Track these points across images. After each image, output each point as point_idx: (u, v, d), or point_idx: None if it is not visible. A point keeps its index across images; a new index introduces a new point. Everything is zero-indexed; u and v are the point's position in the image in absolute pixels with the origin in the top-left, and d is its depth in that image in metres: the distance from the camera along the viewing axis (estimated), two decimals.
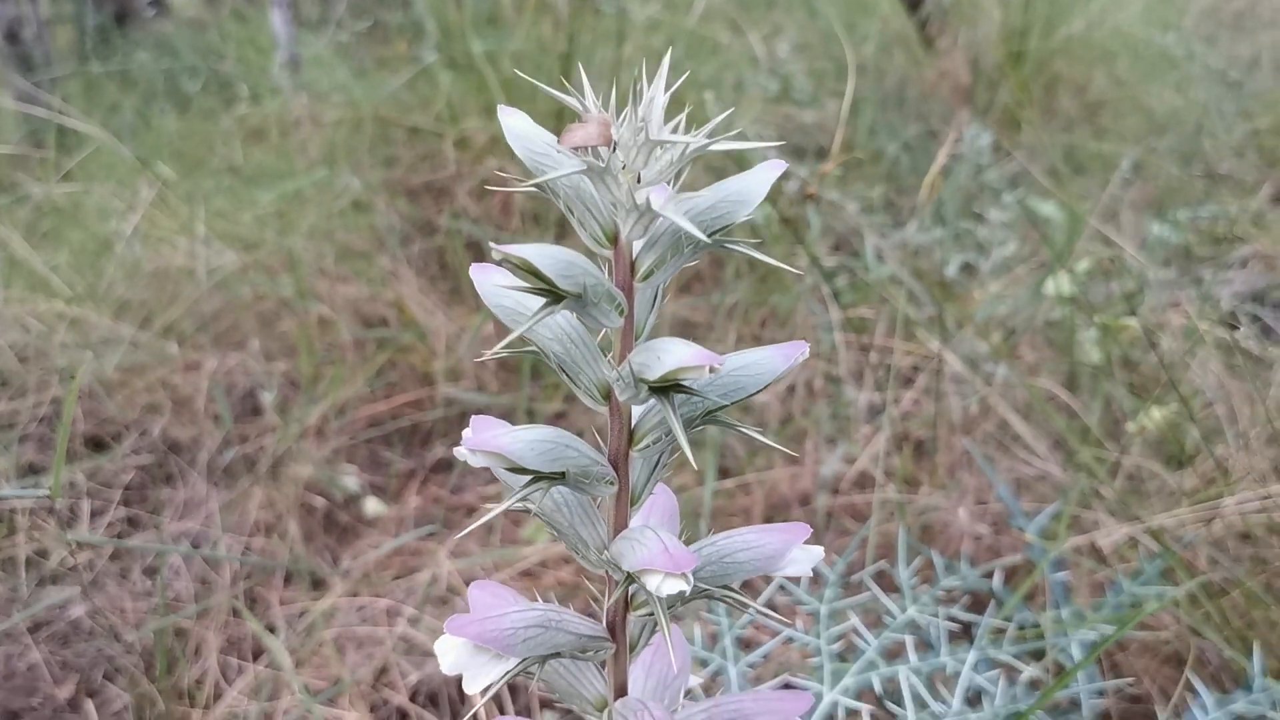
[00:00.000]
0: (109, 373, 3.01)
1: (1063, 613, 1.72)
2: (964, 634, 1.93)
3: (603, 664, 0.84)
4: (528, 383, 2.99)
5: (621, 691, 0.82)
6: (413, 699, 2.15)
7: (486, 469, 0.70)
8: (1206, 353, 2.35)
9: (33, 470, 2.85)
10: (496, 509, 0.71)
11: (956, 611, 1.49)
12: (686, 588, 0.66)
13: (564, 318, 0.73)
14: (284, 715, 2.14)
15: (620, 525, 0.76)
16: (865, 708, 1.36)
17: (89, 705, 2.32)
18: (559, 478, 0.71)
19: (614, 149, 0.65)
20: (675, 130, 0.65)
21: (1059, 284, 2.20)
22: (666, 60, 0.66)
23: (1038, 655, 1.70)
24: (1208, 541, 1.87)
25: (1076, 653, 1.60)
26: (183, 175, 3.80)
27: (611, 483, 0.74)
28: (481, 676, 0.72)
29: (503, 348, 0.66)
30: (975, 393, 2.37)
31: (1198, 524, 1.82)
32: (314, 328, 3.13)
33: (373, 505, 2.64)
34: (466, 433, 0.69)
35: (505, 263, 0.64)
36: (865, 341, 2.81)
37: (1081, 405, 2.26)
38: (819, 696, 1.40)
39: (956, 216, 3.40)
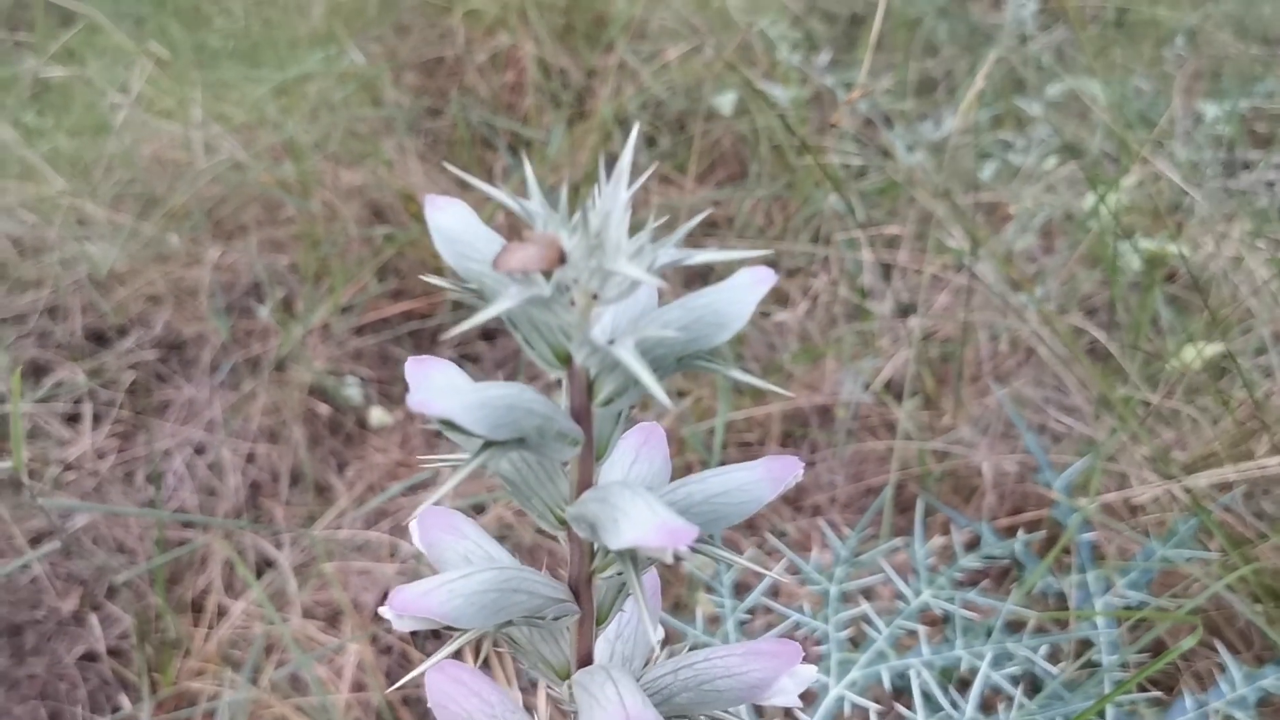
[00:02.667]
0: (108, 266, 2.91)
1: (1088, 577, 1.63)
2: (993, 582, 1.85)
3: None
4: None
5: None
6: (413, 634, 2.11)
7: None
8: (1256, 270, 2.19)
9: (34, 369, 2.78)
10: (445, 649, 0.62)
11: (975, 597, 1.40)
12: None
13: None
14: (288, 641, 2.11)
15: (584, 653, 0.67)
16: (873, 707, 1.28)
17: (93, 619, 2.30)
18: (508, 624, 0.61)
19: (563, 263, 0.52)
20: (639, 249, 0.52)
21: (1100, 210, 2.04)
22: (629, 151, 0.53)
23: (1061, 624, 1.62)
24: (1246, 495, 1.77)
25: (1102, 630, 1.52)
26: (183, 34, 3.61)
27: (574, 614, 0.64)
28: None
29: (444, 493, 0.55)
30: (1004, 324, 2.24)
31: (1240, 482, 1.71)
32: (318, 220, 3.00)
33: (378, 415, 2.57)
34: (392, 593, 0.59)
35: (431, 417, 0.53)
36: (892, 253, 2.66)
37: (1118, 341, 2.12)
38: (824, 690, 1.33)
39: (994, 100, 3.20)
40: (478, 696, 0.78)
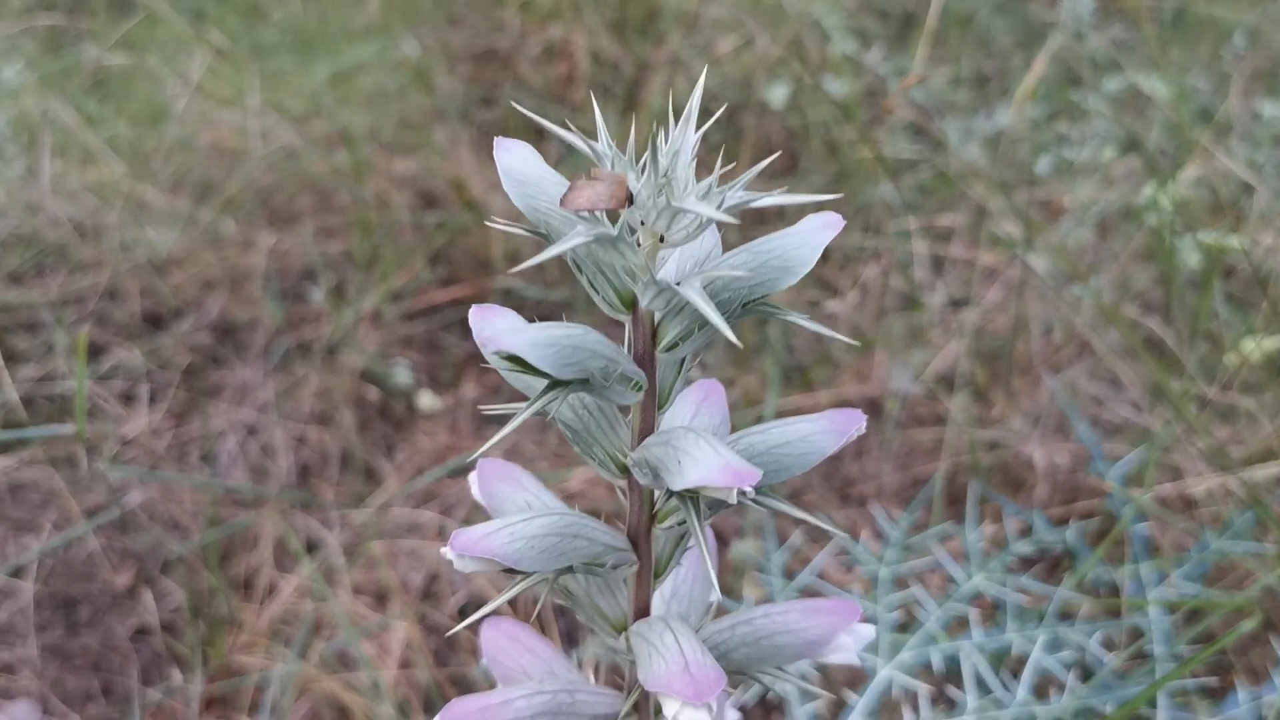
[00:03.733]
0: (165, 250, 2.96)
1: (1141, 568, 1.61)
2: (1044, 572, 1.83)
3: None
4: None
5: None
6: (461, 614, 2.12)
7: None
8: None
9: (91, 349, 2.83)
10: (506, 593, 0.62)
11: (1027, 581, 1.39)
12: (709, 718, 0.57)
13: None
14: (335, 620, 2.13)
15: (642, 606, 0.67)
16: (923, 687, 1.28)
17: (146, 594, 2.34)
18: (568, 569, 0.62)
19: (630, 204, 0.52)
20: (708, 190, 0.52)
21: (1158, 201, 2.01)
22: (697, 95, 0.53)
23: (1113, 614, 1.60)
24: None
25: (1155, 619, 1.50)
26: (242, 28, 3.66)
27: (632, 565, 0.65)
28: None
29: (507, 432, 0.56)
30: (1058, 316, 2.21)
31: None
32: (370, 207, 3.03)
33: (427, 400, 2.59)
34: (454, 534, 0.59)
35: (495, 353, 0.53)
36: (945, 247, 2.64)
37: (1175, 334, 2.09)
38: (874, 671, 1.32)
39: (1050, 95, 3.16)
40: (531, 653, 0.79)
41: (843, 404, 2.44)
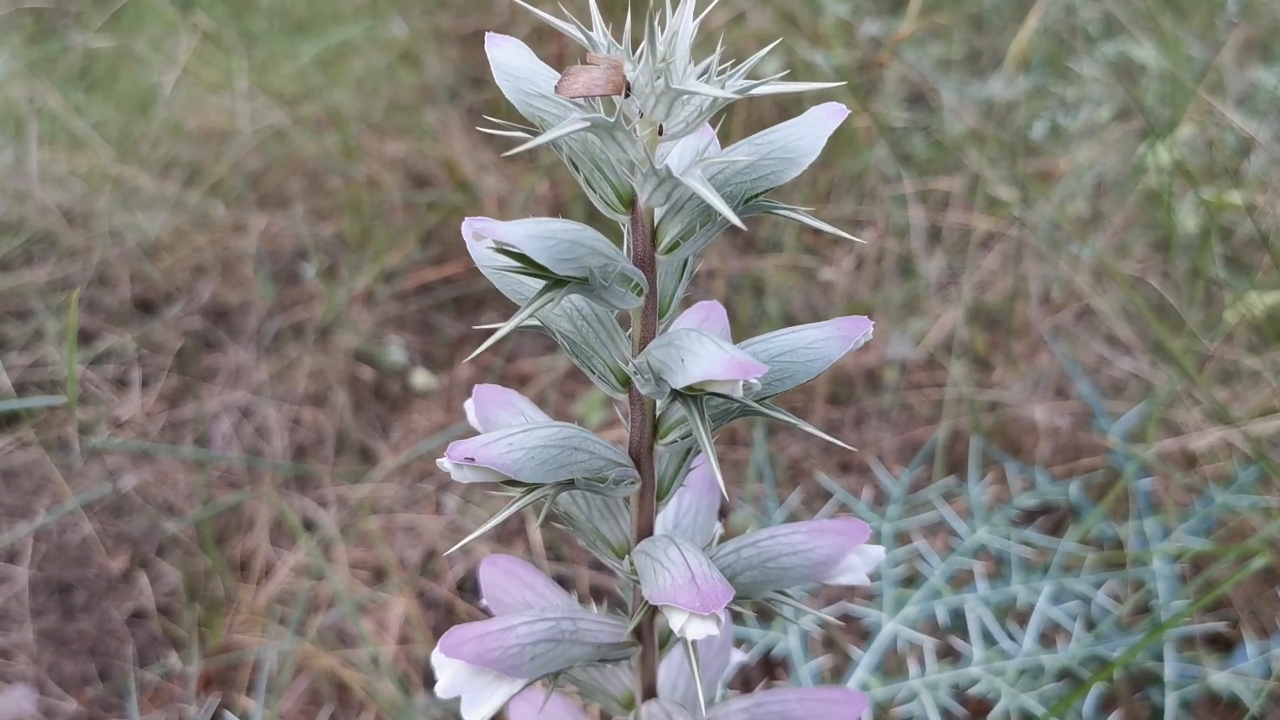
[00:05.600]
0: (155, 235, 2.93)
1: (1145, 524, 1.60)
2: (1048, 528, 1.81)
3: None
4: None
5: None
6: (459, 588, 2.10)
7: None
8: None
9: (81, 336, 2.81)
10: (506, 510, 0.60)
11: (1031, 534, 1.37)
12: (717, 631, 0.55)
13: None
14: (332, 598, 2.11)
15: (644, 528, 0.65)
16: (928, 640, 1.26)
17: (142, 578, 2.32)
18: (568, 484, 0.60)
19: (628, 94, 0.51)
20: (706, 71, 0.50)
21: (1156, 155, 2.00)
22: None
23: (1117, 566, 1.59)
24: None
25: (1159, 568, 1.49)
26: (228, 14, 3.64)
27: (634, 482, 0.63)
28: (482, 703, 0.62)
29: (498, 338, 0.54)
30: (1057, 275, 2.20)
31: None
32: (361, 188, 3.01)
33: (422, 378, 2.57)
34: (451, 445, 0.57)
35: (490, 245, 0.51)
36: (941, 214, 2.62)
37: (1174, 288, 2.08)
38: (879, 626, 1.31)
39: (1044, 64, 3.15)
40: (532, 589, 0.77)
41: (838, 373, 2.43)
